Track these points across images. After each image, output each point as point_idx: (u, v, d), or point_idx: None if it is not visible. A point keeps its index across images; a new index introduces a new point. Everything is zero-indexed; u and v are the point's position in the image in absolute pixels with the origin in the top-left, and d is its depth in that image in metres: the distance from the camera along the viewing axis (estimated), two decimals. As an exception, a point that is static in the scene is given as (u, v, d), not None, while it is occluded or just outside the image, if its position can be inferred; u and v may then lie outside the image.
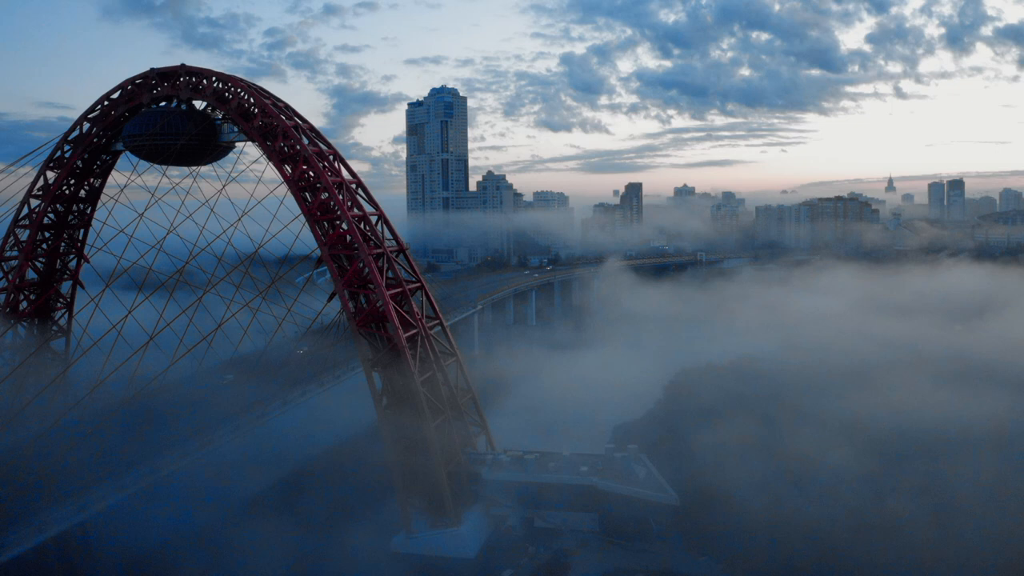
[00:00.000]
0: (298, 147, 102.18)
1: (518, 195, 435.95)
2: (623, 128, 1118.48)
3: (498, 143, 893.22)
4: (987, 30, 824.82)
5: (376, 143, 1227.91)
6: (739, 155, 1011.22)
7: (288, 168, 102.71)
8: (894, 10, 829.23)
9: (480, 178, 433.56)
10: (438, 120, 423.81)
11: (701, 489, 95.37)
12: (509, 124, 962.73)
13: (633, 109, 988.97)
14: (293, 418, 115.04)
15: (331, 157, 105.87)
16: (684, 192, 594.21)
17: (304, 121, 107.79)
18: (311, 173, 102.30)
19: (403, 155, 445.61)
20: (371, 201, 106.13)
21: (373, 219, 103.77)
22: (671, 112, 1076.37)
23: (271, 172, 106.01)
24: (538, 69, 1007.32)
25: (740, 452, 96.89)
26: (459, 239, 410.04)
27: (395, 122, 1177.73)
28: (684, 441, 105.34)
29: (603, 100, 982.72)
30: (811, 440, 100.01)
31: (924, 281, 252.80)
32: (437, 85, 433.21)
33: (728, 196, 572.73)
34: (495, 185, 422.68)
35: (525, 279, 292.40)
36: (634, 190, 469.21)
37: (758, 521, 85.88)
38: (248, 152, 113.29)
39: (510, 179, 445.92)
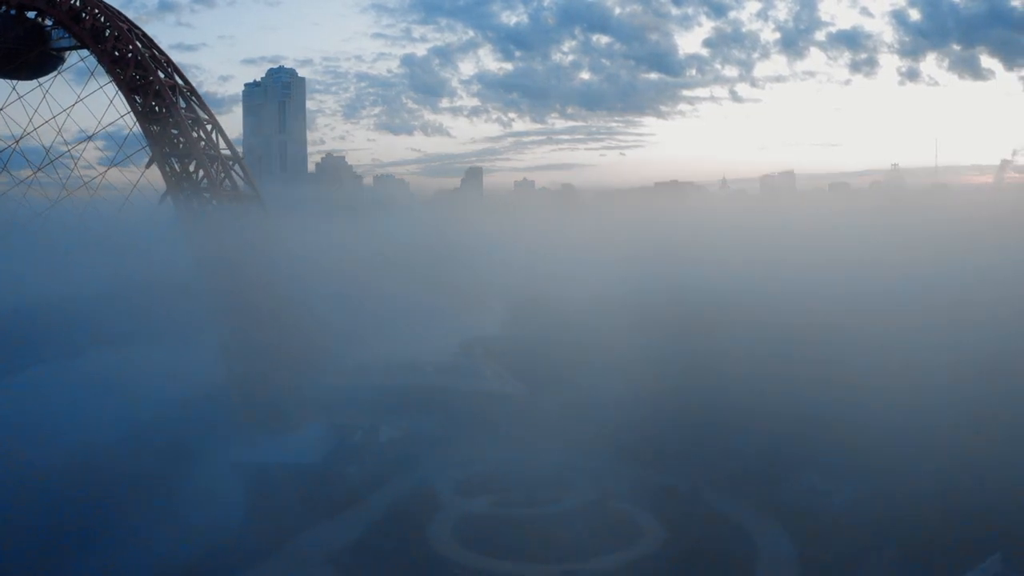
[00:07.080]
0: (130, 47, 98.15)
1: (358, 177, 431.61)
2: (464, 131, 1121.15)
3: (338, 146, 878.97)
4: (821, 35, 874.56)
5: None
6: (578, 158, 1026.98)
7: (119, 71, 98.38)
8: (732, 14, 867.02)
9: (319, 159, 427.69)
10: (276, 101, 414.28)
11: (551, 382, 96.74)
12: (349, 127, 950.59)
13: (474, 112, 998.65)
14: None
15: (164, 63, 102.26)
16: (524, 185, 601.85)
17: (138, 28, 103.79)
18: (143, 79, 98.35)
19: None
20: (204, 108, 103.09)
21: (208, 128, 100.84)
22: (512, 115, 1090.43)
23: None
24: (379, 70, 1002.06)
25: (585, 350, 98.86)
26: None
27: (232, 124, 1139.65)
28: (531, 345, 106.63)
29: (444, 103, 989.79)
30: (646, 334, 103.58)
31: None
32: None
33: (567, 187, 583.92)
34: (334, 166, 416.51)
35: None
36: (475, 174, 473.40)
37: (609, 406, 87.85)
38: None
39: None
